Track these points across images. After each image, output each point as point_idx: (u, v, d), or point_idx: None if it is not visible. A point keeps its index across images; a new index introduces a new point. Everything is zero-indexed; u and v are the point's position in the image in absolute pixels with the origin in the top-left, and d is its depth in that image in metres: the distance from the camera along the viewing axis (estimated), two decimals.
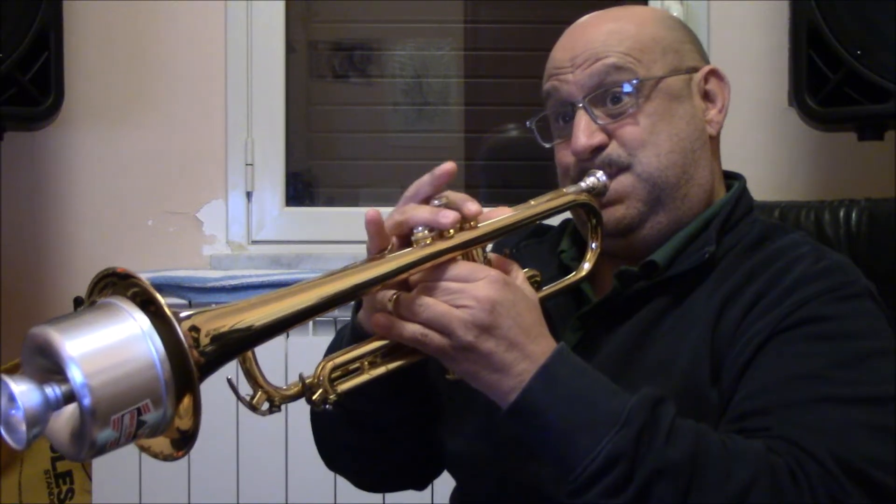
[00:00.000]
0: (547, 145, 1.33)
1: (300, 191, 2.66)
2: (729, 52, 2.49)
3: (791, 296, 1.13)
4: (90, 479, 2.34)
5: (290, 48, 2.59)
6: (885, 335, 1.14)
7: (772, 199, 1.73)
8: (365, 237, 1.11)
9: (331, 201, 2.72)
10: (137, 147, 2.50)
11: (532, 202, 1.21)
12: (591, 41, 1.26)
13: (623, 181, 1.24)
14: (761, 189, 1.50)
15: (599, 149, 1.24)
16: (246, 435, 2.28)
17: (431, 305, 1.04)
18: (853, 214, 1.61)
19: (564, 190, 1.25)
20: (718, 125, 1.30)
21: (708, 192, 1.28)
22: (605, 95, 1.25)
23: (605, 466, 0.99)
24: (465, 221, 1.09)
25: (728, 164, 1.37)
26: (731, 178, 1.35)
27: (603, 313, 1.25)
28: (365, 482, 1.41)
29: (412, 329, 1.05)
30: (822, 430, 1.03)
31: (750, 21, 2.50)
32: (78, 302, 2.37)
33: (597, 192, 1.25)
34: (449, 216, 1.07)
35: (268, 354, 2.56)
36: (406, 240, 1.09)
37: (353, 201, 2.72)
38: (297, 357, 2.30)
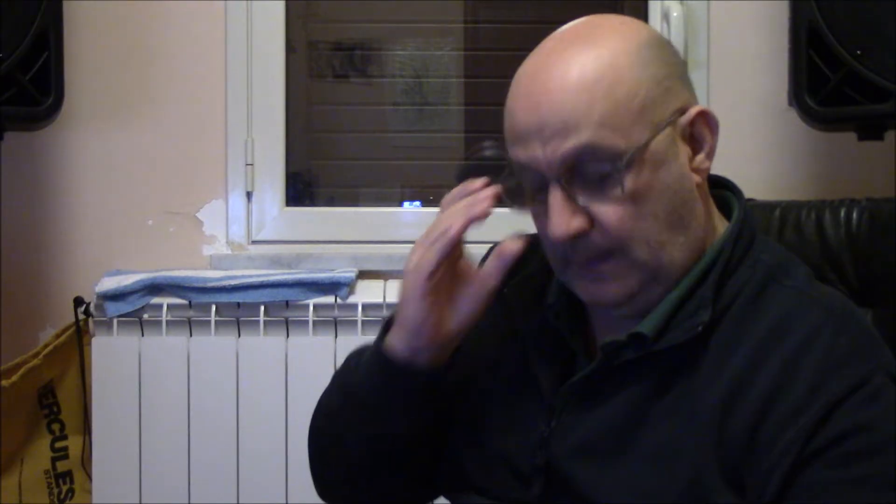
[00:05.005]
0: (519, 211, 1.16)
1: (300, 191, 2.66)
2: (729, 52, 2.49)
3: (815, 397, 1.02)
4: (90, 479, 2.33)
5: (290, 48, 2.58)
6: None
7: (772, 199, 1.73)
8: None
9: (331, 201, 2.71)
10: (138, 147, 2.49)
11: None
12: (558, 106, 1.08)
13: (613, 265, 1.10)
14: (761, 189, 1.50)
15: (581, 233, 1.09)
16: (246, 435, 2.28)
17: None
18: (853, 214, 1.60)
19: None
20: (706, 171, 1.15)
21: (701, 241, 1.14)
22: (582, 171, 1.08)
23: None
24: None
25: (728, 164, 1.34)
26: (724, 187, 1.22)
27: (590, 385, 1.14)
28: None
29: None
30: None
31: (750, 21, 2.49)
32: (78, 302, 2.38)
33: None
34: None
35: (267, 355, 2.56)
36: None
37: (353, 201, 2.71)
38: (298, 356, 2.30)
